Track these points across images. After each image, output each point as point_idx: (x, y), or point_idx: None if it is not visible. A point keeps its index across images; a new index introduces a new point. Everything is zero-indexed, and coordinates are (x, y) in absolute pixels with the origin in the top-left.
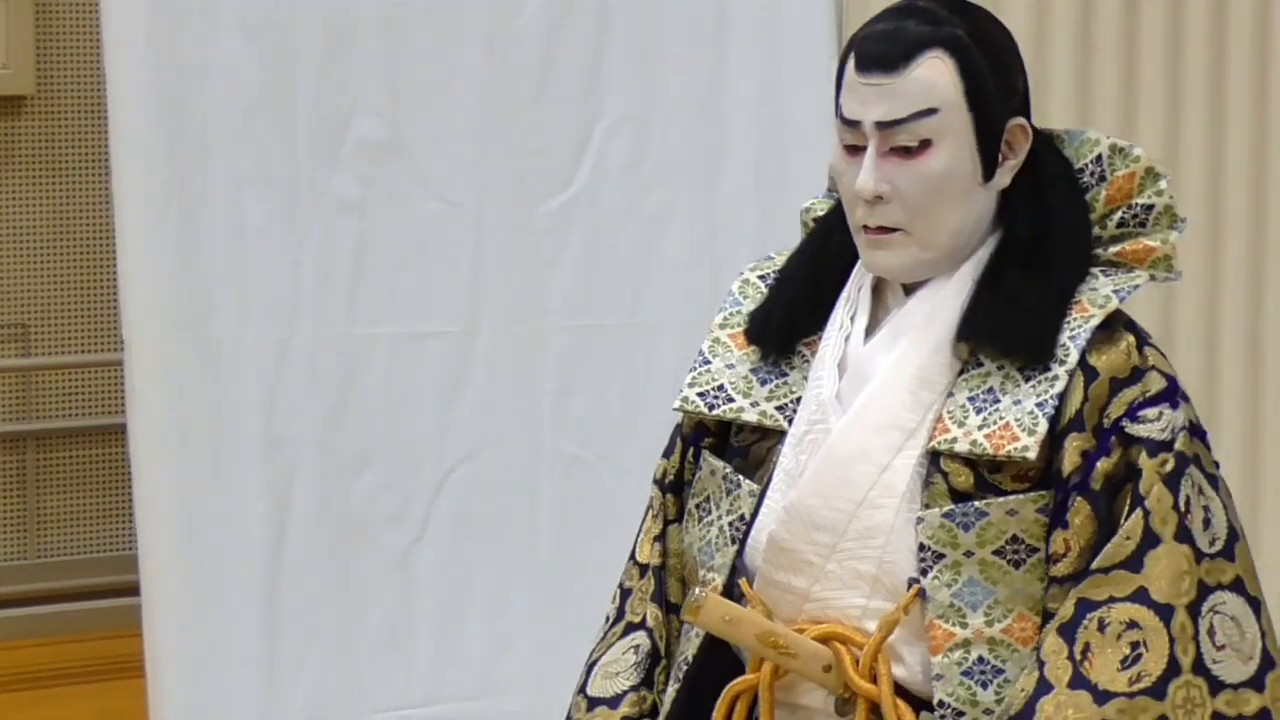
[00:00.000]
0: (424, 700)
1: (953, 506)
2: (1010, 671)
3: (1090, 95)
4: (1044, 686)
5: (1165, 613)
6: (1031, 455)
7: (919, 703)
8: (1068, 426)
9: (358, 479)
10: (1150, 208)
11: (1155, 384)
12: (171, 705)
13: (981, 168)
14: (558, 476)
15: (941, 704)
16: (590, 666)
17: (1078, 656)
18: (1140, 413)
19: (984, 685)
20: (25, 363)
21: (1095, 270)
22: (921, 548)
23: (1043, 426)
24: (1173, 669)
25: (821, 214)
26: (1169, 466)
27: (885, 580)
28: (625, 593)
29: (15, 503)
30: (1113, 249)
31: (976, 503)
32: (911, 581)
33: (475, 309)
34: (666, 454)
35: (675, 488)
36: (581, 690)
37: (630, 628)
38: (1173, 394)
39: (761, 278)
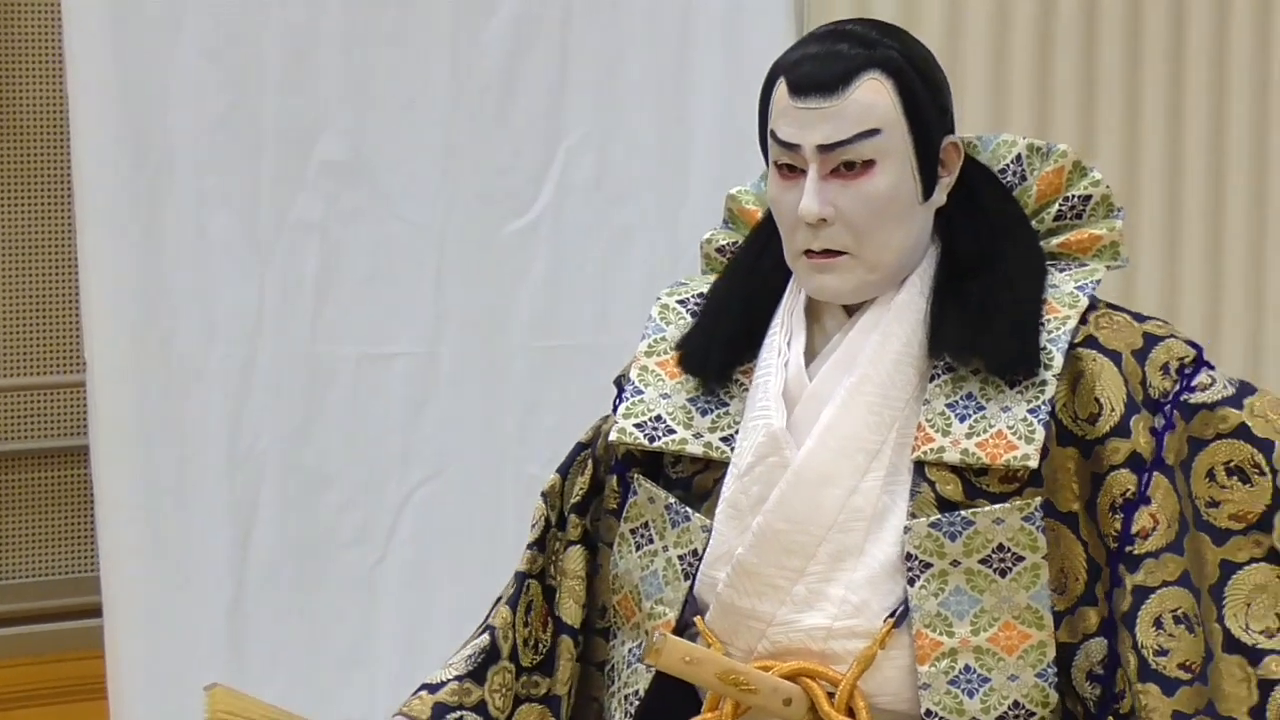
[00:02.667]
0: (387, 717)
1: (939, 516)
2: (996, 680)
3: (1007, 102)
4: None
5: None
6: (1033, 464)
7: None
8: (1127, 412)
9: (321, 498)
10: (1088, 198)
11: (1180, 350)
12: None
13: (921, 186)
14: (521, 496)
15: (929, 713)
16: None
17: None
18: (1193, 381)
19: (970, 694)
20: None
21: (1048, 266)
22: (909, 557)
23: (1040, 434)
24: None
25: (724, 244)
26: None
27: (852, 599)
28: (498, 598)
29: None
30: (1055, 241)
31: (963, 512)
32: (890, 611)
33: (439, 328)
34: (564, 471)
35: (581, 509)
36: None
37: (482, 628)
38: (1202, 358)
39: (681, 303)
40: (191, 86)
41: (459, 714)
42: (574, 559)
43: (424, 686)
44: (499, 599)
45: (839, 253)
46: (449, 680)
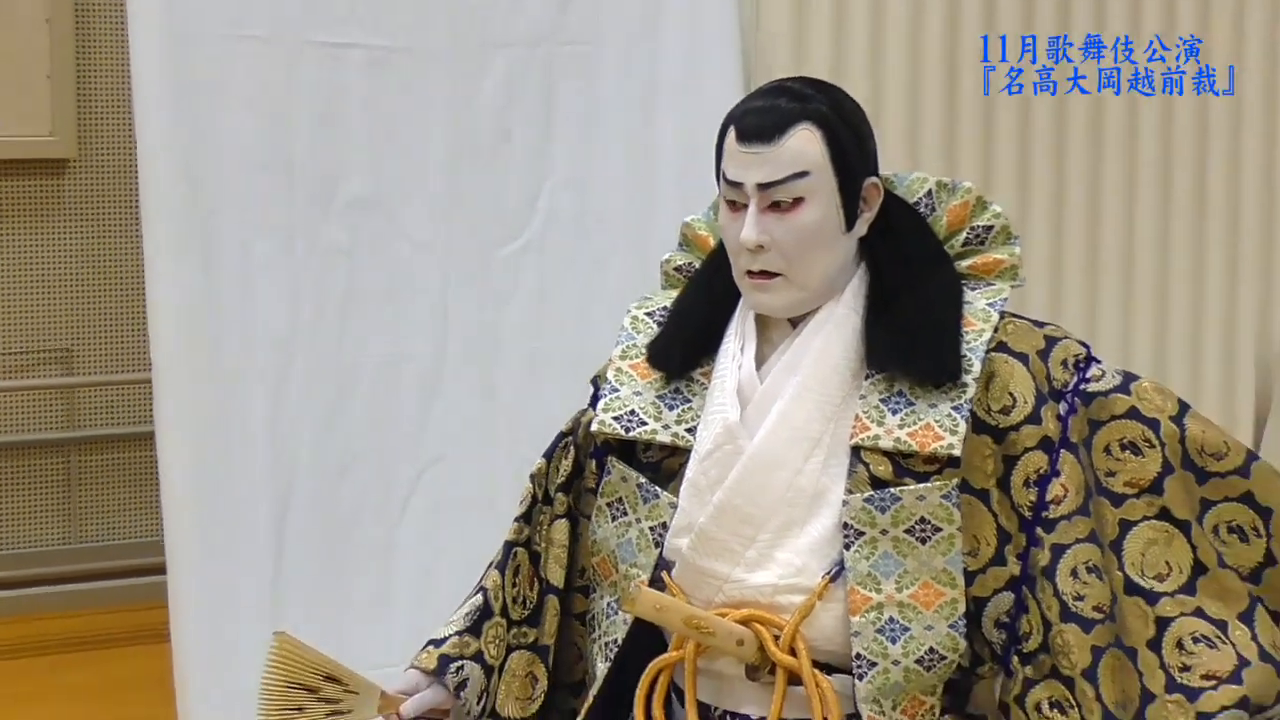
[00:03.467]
0: (402, 659)
1: (872, 492)
2: (915, 629)
3: (920, 143)
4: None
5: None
6: (957, 452)
7: (824, 667)
8: (1037, 403)
9: (346, 477)
10: (990, 228)
11: (1075, 349)
12: (192, 666)
13: (844, 220)
14: (512, 475)
15: (858, 656)
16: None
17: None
18: (1087, 374)
19: (893, 641)
20: (69, 381)
21: (962, 285)
22: (845, 526)
23: (963, 427)
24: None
25: (680, 264)
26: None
27: (795, 561)
28: (489, 563)
29: (61, 497)
30: (964, 264)
31: (892, 489)
32: (829, 568)
33: (445, 335)
34: (549, 455)
35: (565, 488)
36: None
37: (476, 589)
38: (1091, 354)
39: (649, 314)
40: (238, 135)
41: (460, 663)
42: (559, 530)
43: (430, 642)
44: (490, 564)
45: (774, 274)
46: (451, 635)
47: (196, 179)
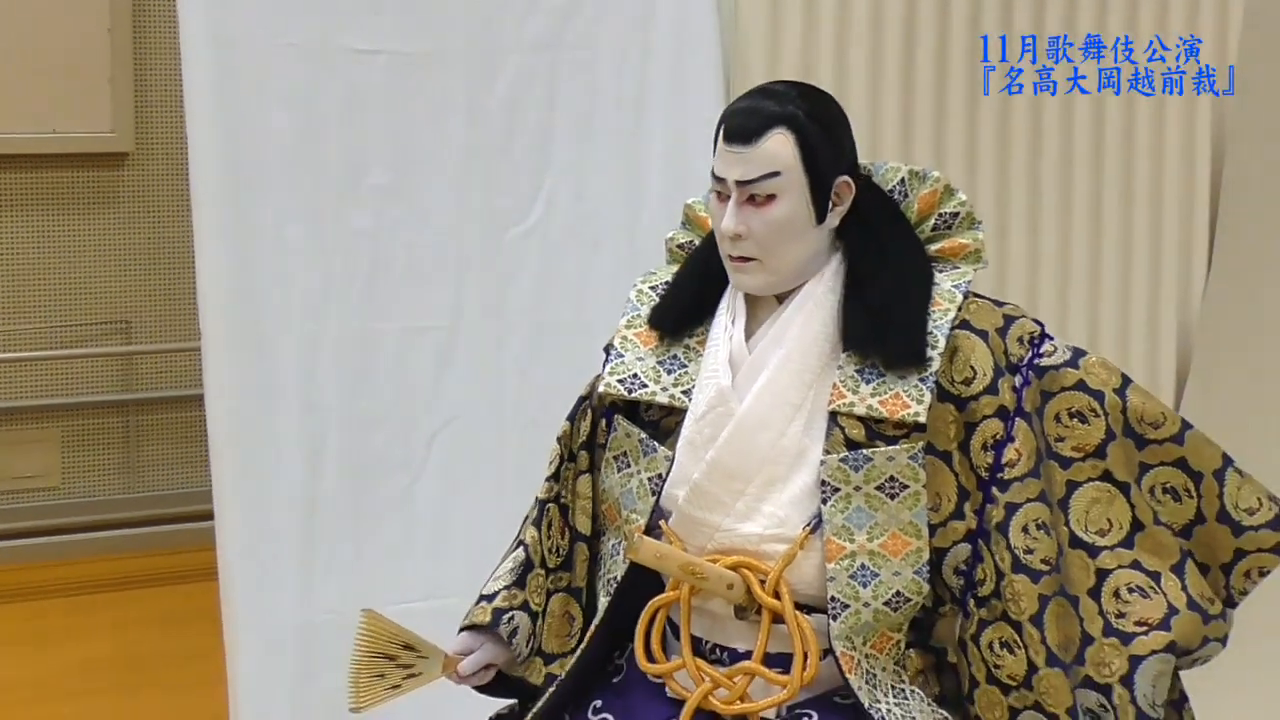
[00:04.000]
0: (420, 597)
1: (847, 453)
2: (884, 575)
3: (882, 132)
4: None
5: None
6: (922, 419)
7: (804, 608)
8: (995, 375)
9: (371, 435)
10: (956, 215)
11: (1030, 326)
12: (237, 602)
13: (815, 214)
14: (519, 434)
15: (833, 599)
16: (492, 574)
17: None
18: (1040, 349)
19: (864, 585)
20: (128, 349)
21: (931, 268)
22: (823, 484)
23: (928, 397)
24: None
25: (682, 241)
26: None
27: (778, 513)
28: (525, 518)
29: (120, 452)
30: (933, 247)
31: (865, 450)
32: (808, 520)
33: (458, 309)
34: (571, 418)
35: (587, 446)
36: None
37: (516, 544)
38: (1044, 331)
39: (652, 288)
40: (276, 132)
41: (511, 614)
42: (584, 484)
43: (482, 597)
44: (525, 520)
45: (750, 259)
46: (500, 590)
47: (239, 170)
